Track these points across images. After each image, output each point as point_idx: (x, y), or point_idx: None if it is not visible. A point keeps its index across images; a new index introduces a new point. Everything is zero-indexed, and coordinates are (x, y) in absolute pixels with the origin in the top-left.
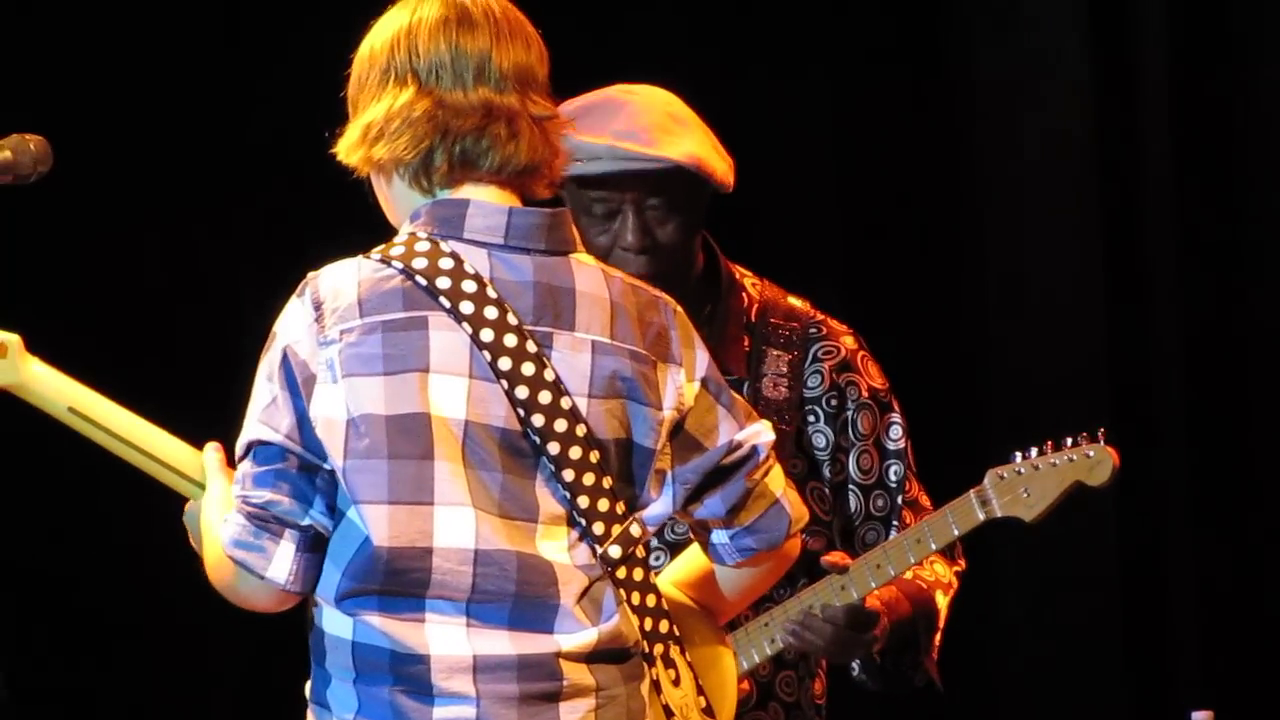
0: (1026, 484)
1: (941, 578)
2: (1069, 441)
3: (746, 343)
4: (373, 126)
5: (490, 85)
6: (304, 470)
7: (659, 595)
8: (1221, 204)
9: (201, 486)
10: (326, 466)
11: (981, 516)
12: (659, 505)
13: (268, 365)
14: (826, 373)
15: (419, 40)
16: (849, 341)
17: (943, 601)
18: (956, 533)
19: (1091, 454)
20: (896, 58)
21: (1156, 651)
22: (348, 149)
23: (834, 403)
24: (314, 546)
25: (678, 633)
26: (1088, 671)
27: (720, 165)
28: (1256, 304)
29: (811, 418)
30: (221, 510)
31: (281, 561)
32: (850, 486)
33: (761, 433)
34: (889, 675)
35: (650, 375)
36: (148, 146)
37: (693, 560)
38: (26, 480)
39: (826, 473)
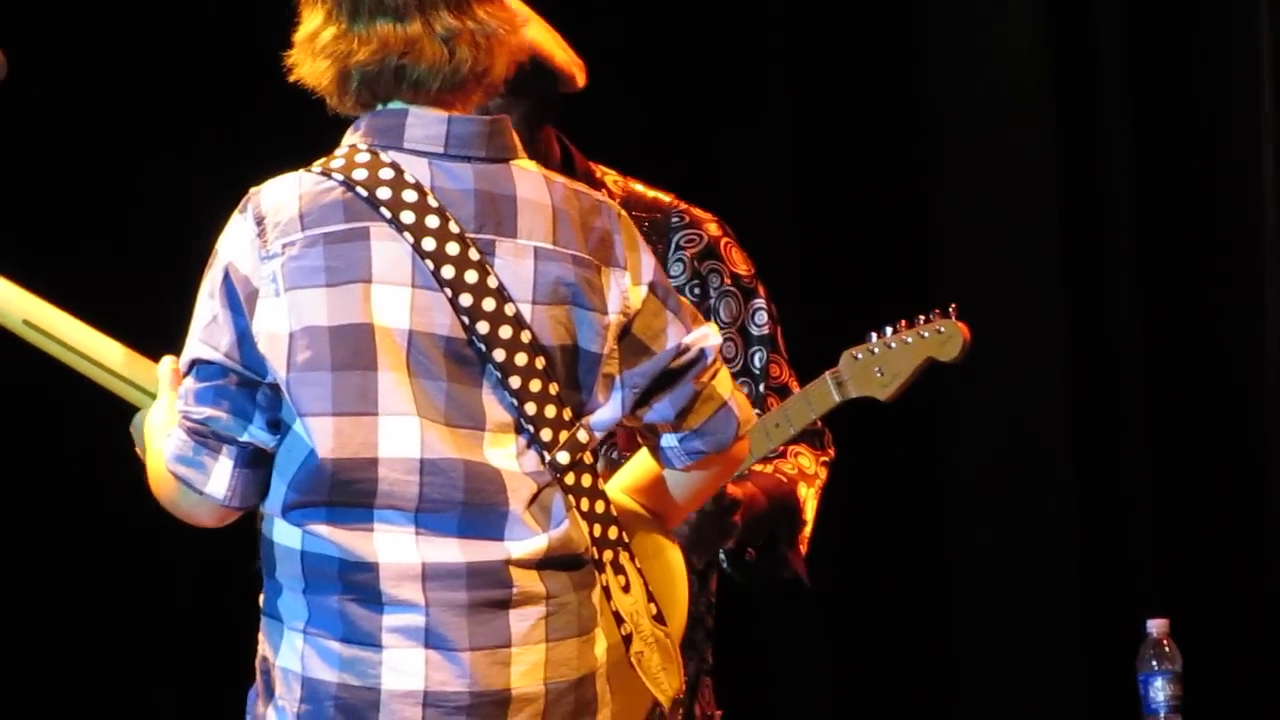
0: (880, 363)
1: (806, 469)
2: (922, 319)
3: None
4: (298, 47)
5: (387, 16)
6: (244, 386)
7: (608, 501)
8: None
9: (154, 398)
10: (268, 381)
11: (837, 398)
12: (607, 410)
13: (210, 282)
14: (689, 261)
15: None
16: (712, 229)
17: (806, 493)
18: (814, 415)
19: (943, 329)
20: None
21: (1112, 561)
22: (293, 64)
23: (697, 291)
24: (253, 462)
25: (627, 539)
26: (1042, 581)
27: (562, 55)
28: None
29: None
30: (167, 422)
31: (220, 477)
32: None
33: (709, 335)
34: (755, 570)
35: (594, 280)
36: (110, 55)
37: (640, 465)
38: None
39: None
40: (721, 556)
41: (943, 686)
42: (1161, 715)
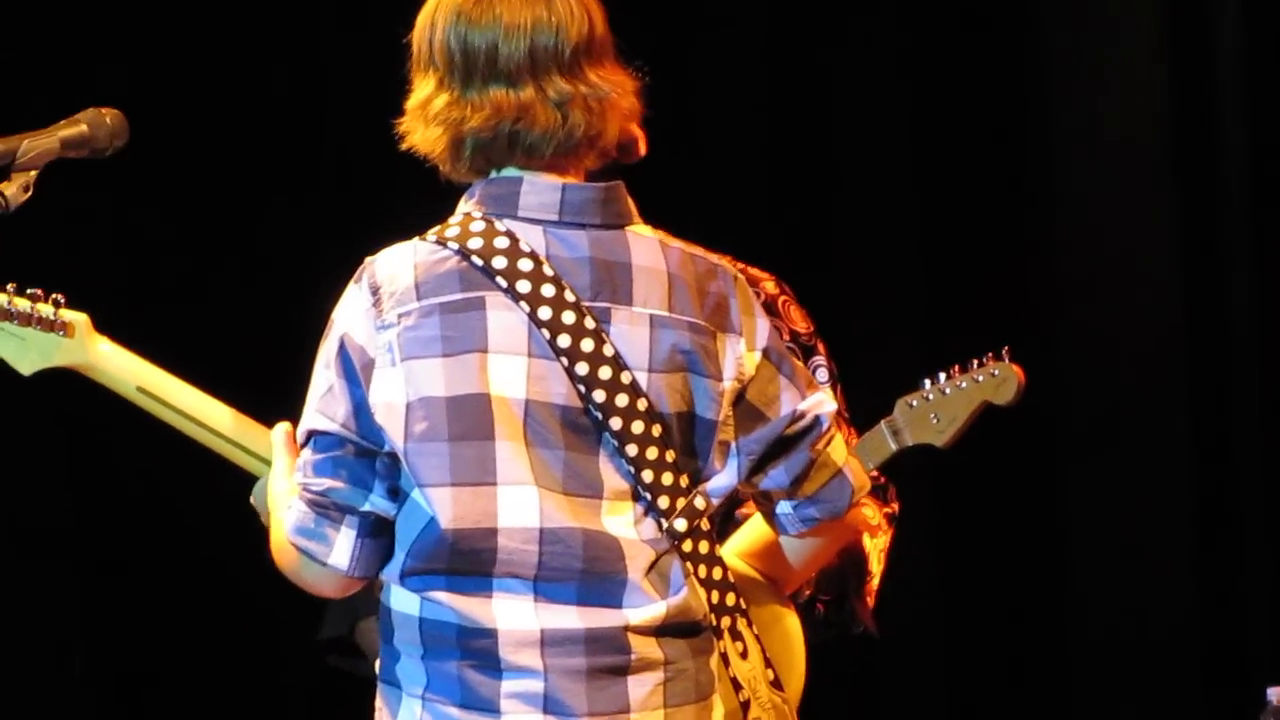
0: (936, 409)
1: (869, 520)
2: (975, 363)
3: None
4: (409, 115)
5: (500, 82)
6: (362, 456)
7: (725, 568)
8: None
9: (269, 464)
10: (385, 450)
11: (894, 446)
12: (723, 477)
13: (325, 353)
14: None
15: (436, 31)
16: (770, 287)
17: (870, 545)
18: (871, 464)
19: (996, 373)
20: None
21: (1232, 629)
22: (405, 131)
23: None
24: (375, 531)
25: (744, 605)
26: (1163, 651)
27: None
28: None
29: None
30: (287, 491)
31: (343, 548)
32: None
33: (824, 402)
34: (826, 622)
35: (710, 346)
36: (226, 121)
37: (755, 531)
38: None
39: None
40: None
41: None
42: None
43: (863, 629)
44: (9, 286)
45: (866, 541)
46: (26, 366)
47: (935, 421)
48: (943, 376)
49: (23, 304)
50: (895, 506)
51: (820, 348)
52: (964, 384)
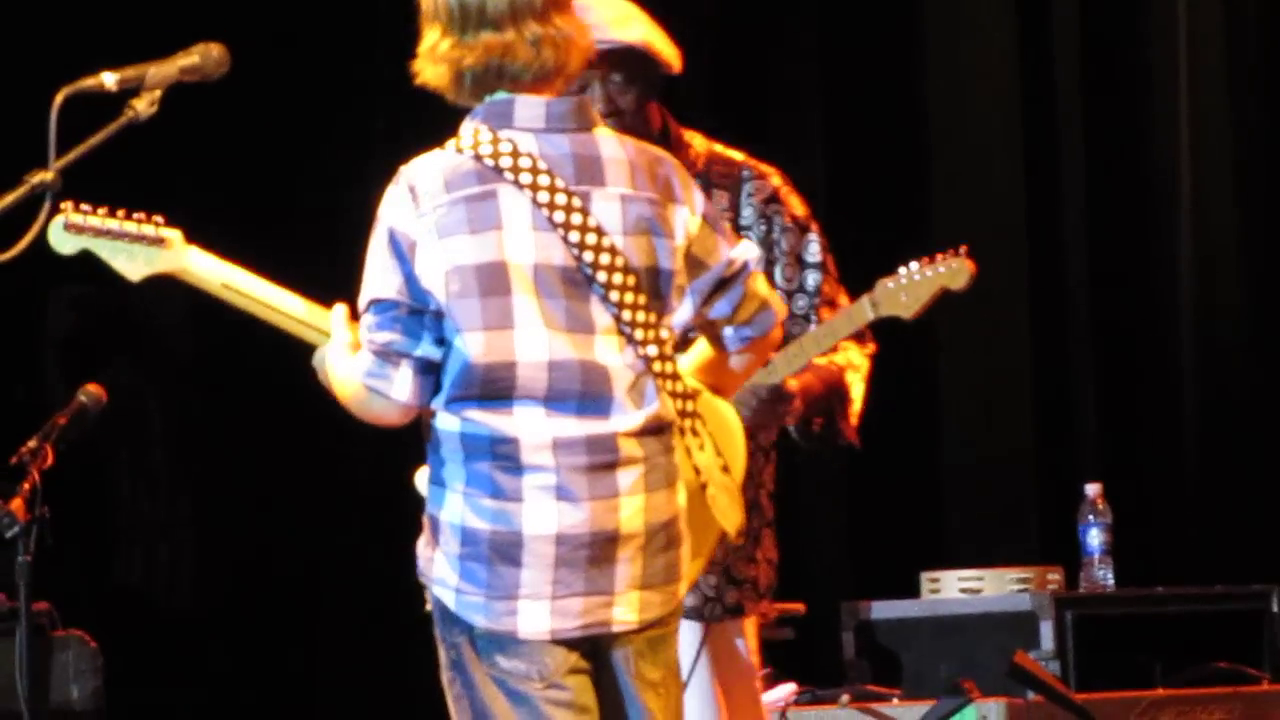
0: (905, 290)
1: (853, 360)
2: (939, 256)
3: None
4: (421, 58)
5: (489, 28)
6: (413, 314)
7: (684, 382)
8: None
9: (329, 336)
10: (431, 309)
11: (871, 315)
12: (682, 312)
13: (377, 240)
14: (756, 205)
15: None
16: (775, 180)
17: (852, 378)
18: (853, 327)
19: (954, 265)
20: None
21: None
22: (417, 71)
23: (763, 228)
24: (425, 370)
25: (698, 410)
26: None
27: (667, 49)
28: None
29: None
30: (348, 352)
31: (402, 383)
32: (778, 293)
33: (748, 249)
34: (816, 438)
35: (664, 214)
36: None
37: (701, 353)
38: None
39: None
40: (792, 431)
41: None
42: (1096, 557)
43: (847, 443)
44: (118, 211)
45: (849, 375)
46: (135, 274)
47: (904, 299)
48: (914, 264)
49: (130, 225)
50: (873, 347)
51: (814, 227)
52: (929, 272)
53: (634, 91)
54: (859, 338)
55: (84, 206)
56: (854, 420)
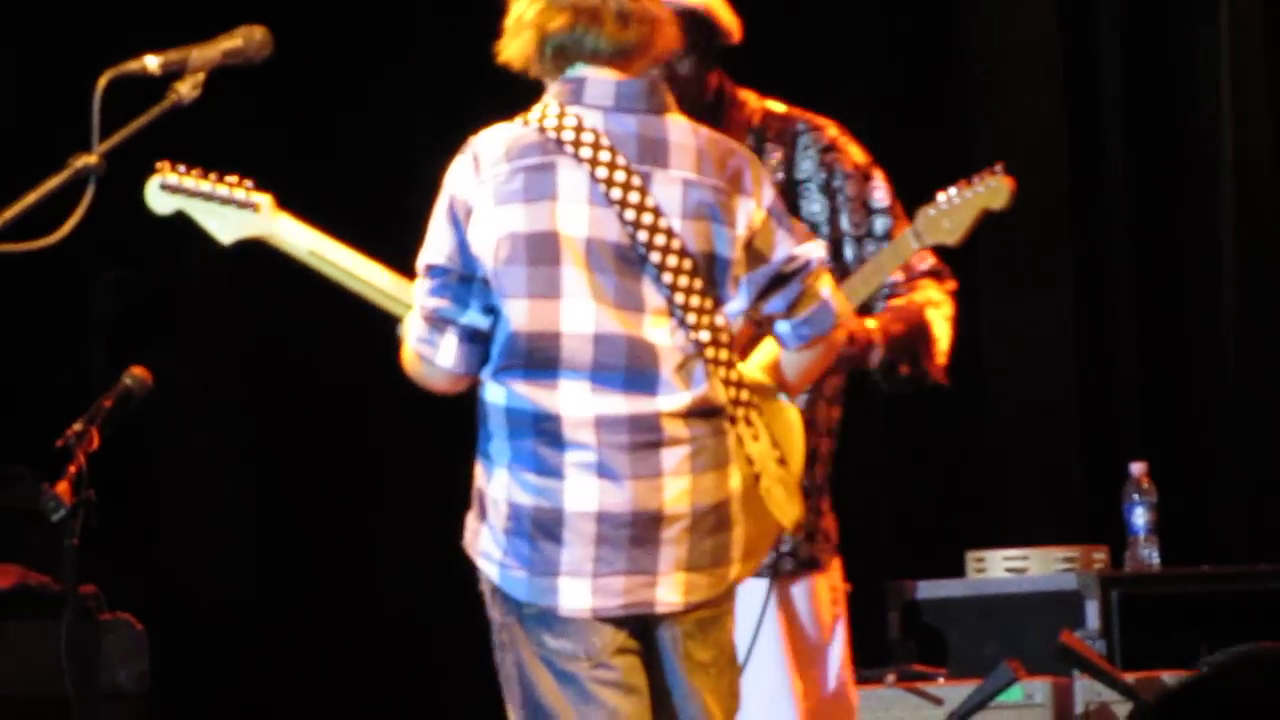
0: (947, 216)
1: (932, 298)
2: (976, 178)
3: (750, 143)
4: (506, 34)
5: None
6: (462, 281)
7: (740, 372)
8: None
9: (410, 308)
10: (479, 276)
11: (916, 245)
12: (736, 302)
13: (439, 207)
14: (815, 156)
15: None
16: (831, 131)
17: (933, 315)
18: (900, 260)
19: (992, 184)
20: None
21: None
22: (501, 49)
23: (824, 177)
24: (471, 338)
25: (756, 401)
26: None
27: (725, 15)
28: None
29: (806, 193)
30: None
31: (447, 349)
32: (845, 239)
33: (814, 249)
34: (903, 380)
35: (728, 203)
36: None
37: (766, 350)
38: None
39: (825, 231)
40: (878, 377)
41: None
42: (1141, 536)
43: (935, 383)
44: (211, 174)
45: (929, 313)
46: (226, 237)
47: (947, 225)
48: (952, 190)
49: (223, 188)
50: (953, 284)
51: (876, 173)
52: (969, 194)
53: (692, 58)
54: (936, 275)
55: (179, 167)
56: (941, 360)
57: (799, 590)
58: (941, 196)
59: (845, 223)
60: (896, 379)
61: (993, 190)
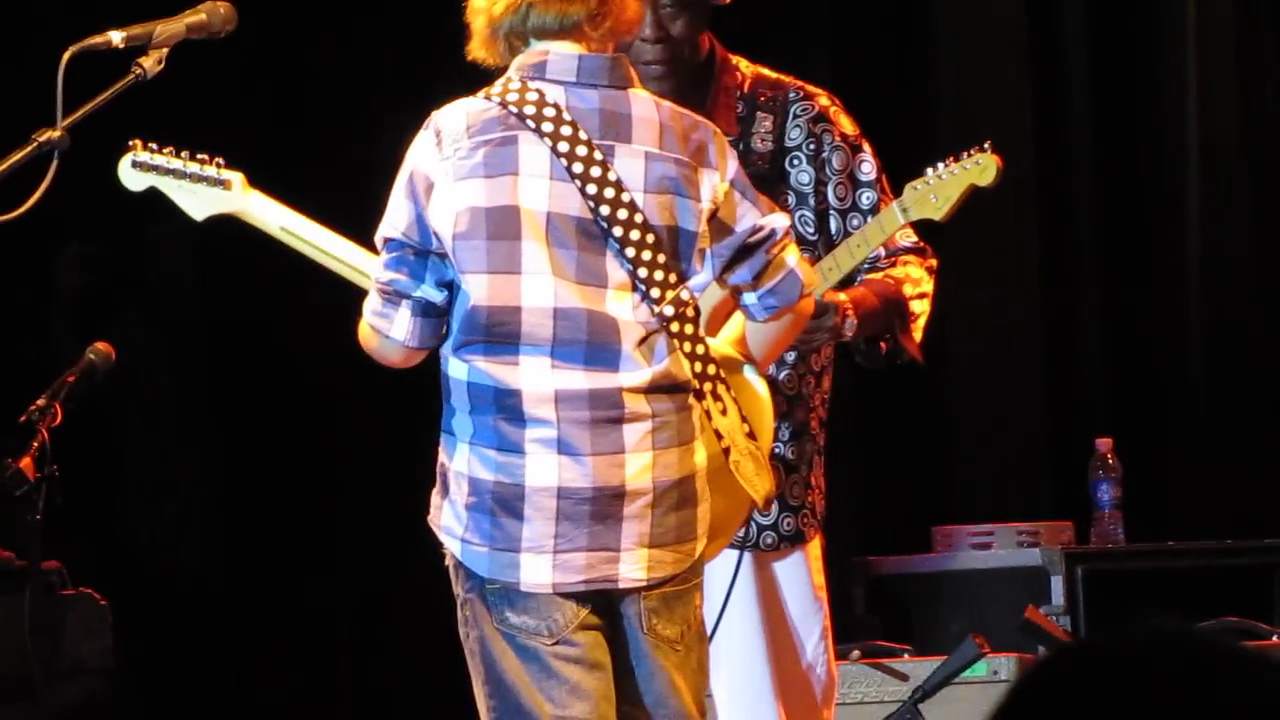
0: (934, 191)
1: (910, 274)
2: (965, 154)
3: (741, 109)
4: (472, 36)
5: None
6: (418, 256)
7: (706, 345)
8: None
9: None
10: (435, 250)
11: (902, 220)
12: (702, 275)
13: (399, 182)
14: (805, 125)
15: None
16: (823, 100)
17: (910, 291)
18: (885, 235)
19: (981, 161)
20: None
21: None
22: (468, 50)
23: (813, 147)
24: (425, 312)
25: (724, 375)
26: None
27: None
28: None
29: (795, 161)
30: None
31: (401, 323)
32: (831, 212)
33: (777, 219)
34: (880, 357)
35: (691, 176)
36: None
37: (736, 323)
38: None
39: (811, 202)
40: (855, 352)
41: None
42: (1106, 512)
43: (911, 359)
44: (183, 152)
45: (905, 289)
46: (199, 214)
47: (934, 200)
48: (940, 165)
49: (194, 165)
50: (934, 262)
51: (866, 145)
52: (956, 170)
53: (685, 17)
54: (920, 252)
55: (151, 145)
56: (917, 335)
57: (782, 565)
58: (929, 170)
59: (831, 196)
60: (873, 355)
61: (981, 168)
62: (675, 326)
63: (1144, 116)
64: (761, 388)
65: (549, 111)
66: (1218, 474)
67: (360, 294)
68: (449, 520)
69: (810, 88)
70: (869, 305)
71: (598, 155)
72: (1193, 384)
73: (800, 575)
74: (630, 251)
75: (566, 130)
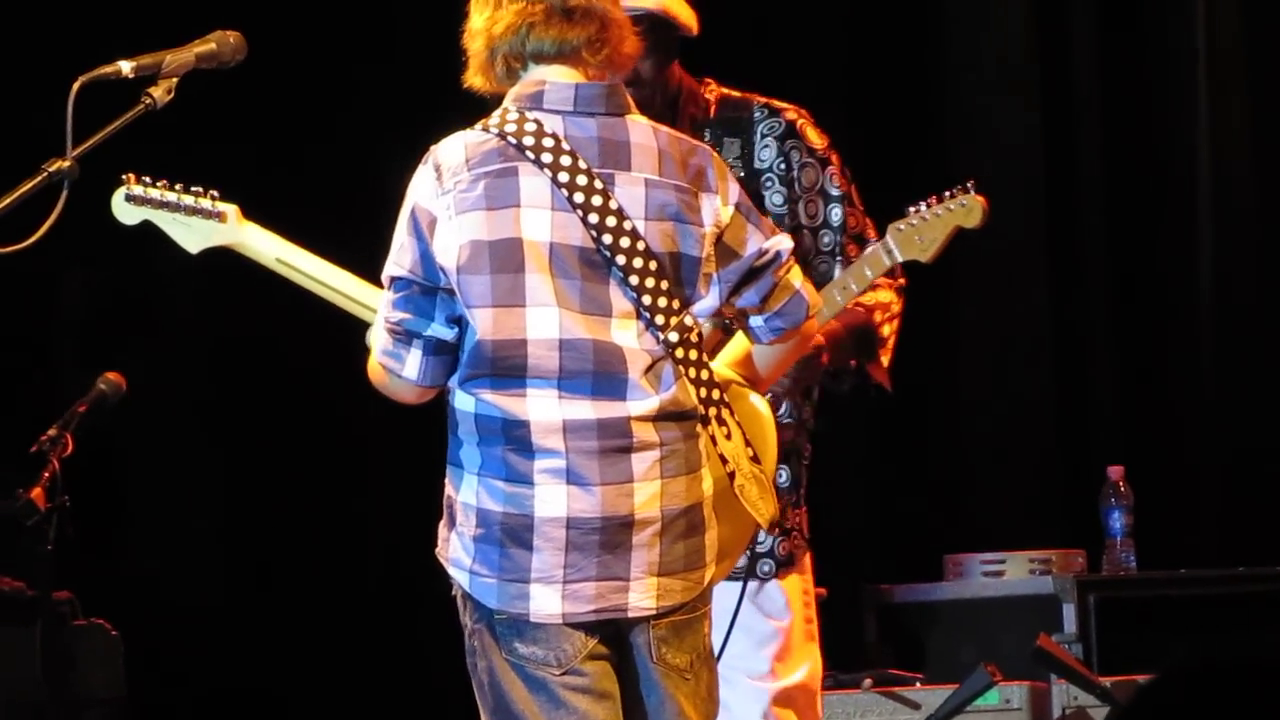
0: (919, 233)
1: (880, 299)
2: (948, 194)
3: (707, 137)
4: (469, 58)
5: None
6: (425, 293)
7: (710, 371)
8: None
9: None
10: (443, 287)
11: (888, 262)
12: (708, 300)
13: (402, 219)
14: (774, 143)
15: None
16: (790, 115)
17: (879, 317)
18: (870, 277)
19: (965, 202)
20: None
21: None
22: (466, 78)
23: (783, 166)
24: (436, 350)
25: (728, 400)
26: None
27: (684, 12)
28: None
29: (769, 184)
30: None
31: (412, 363)
32: (803, 230)
33: (783, 241)
34: (849, 386)
35: (692, 201)
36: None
37: (737, 345)
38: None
39: (786, 223)
40: (824, 380)
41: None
42: (1118, 540)
43: (877, 386)
44: (177, 185)
45: (877, 315)
46: (193, 247)
47: (920, 241)
48: (923, 205)
49: (188, 198)
50: (903, 281)
51: (833, 158)
52: (940, 211)
53: (651, 59)
54: (889, 274)
55: (144, 179)
56: (885, 360)
57: (774, 587)
58: (912, 210)
59: (802, 214)
60: (842, 384)
61: (966, 209)
62: (680, 353)
63: (1155, 134)
64: (762, 407)
65: (548, 141)
66: (1229, 501)
67: (363, 323)
68: (456, 552)
69: (776, 102)
70: (839, 338)
71: (598, 184)
72: (1204, 411)
73: (792, 597)
74: (634, 279)
75: (566, 160)
